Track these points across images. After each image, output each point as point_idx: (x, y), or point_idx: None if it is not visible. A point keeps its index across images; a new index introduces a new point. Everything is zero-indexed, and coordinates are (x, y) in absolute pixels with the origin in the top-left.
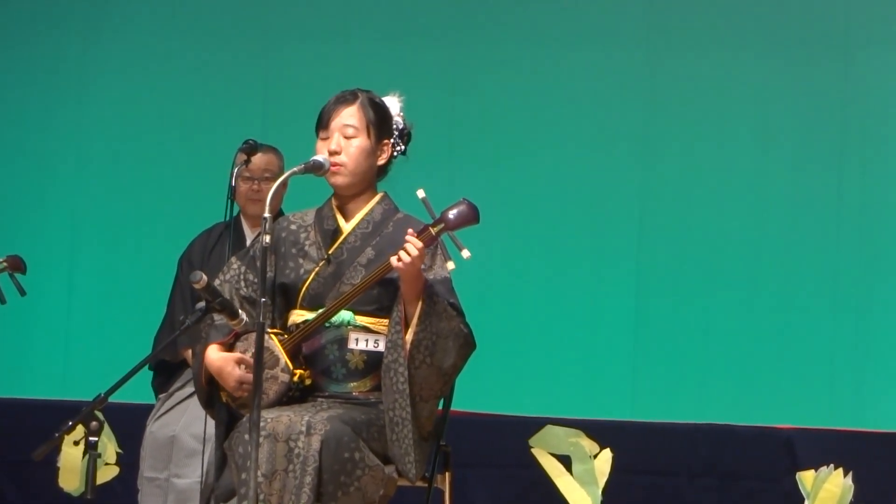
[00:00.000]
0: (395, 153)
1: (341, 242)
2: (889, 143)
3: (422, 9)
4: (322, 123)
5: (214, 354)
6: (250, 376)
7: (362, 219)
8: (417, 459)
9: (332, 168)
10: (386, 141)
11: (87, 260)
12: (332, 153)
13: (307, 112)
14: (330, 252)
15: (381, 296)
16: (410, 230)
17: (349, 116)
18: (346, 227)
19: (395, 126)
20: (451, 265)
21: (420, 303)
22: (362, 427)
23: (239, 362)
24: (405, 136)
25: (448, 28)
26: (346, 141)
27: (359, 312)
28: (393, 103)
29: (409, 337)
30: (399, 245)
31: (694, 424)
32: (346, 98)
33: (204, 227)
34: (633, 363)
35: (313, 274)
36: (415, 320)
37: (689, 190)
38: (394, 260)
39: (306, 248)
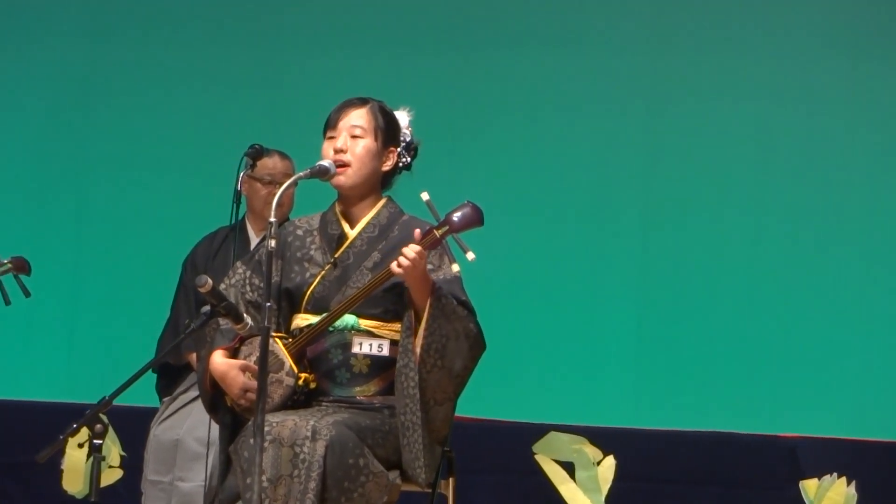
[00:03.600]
0: (401, 164)
1: (347, 246)
2: (891, 151)
3: (426, 16)
4: (330, 123)
5: (219, 360)
6: (254, 384)
7: (368, 222)
8: (427, 464)
9: (337, 169)
10: (392, 148)
11: (92, 262)
12: (337, 151)
13: (313, 118)
14: (336, 256)
15: (386, 300)
16: (417, 231)
17: (358, 118)
18: (352, 231)
19: (402, 138)
20: (455, 268)
21: (428, 306)
22: (367, 433)
23: (244, 369)
24: (412, 149)
25: (453, 34)
26: (352, 140)
27: (363, 316)
28: (402, 117)
29: (418, 341)
30: (405, 246)
31: (697, 432)
32: (356, 101)
33: (209, 230)
34: (637, 370)
35: (318, 278)
36: (423, 324)
37: (692, 197)
38: (393, 266)
39: (311, 252)
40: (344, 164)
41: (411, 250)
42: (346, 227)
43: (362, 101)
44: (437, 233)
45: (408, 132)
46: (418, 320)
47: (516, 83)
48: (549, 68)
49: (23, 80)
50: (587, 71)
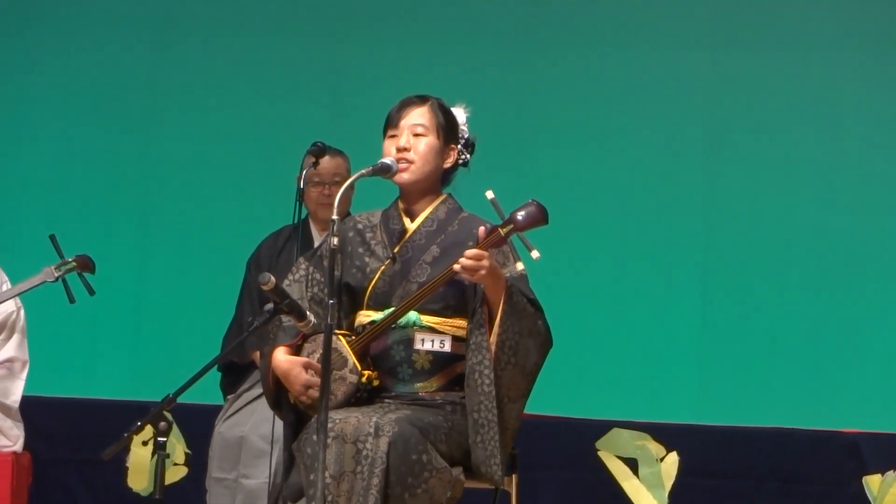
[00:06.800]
0: (460, 160)
1: (406, 241)
2: None
3: (488, 12)
4: (391, 122)
5: (281, 357)
6: (316, 380)
7: (427, 217)
8: (503, 461)
9: (400, 167)
10: (453, 146)
11: (157, 260)
12: (400, 150)
13: (374, 115)
14: (395, 251)
15: (447, 295)
16: (482, 229)
17: (419, 116)
18: (412, 225)
19: (460, 135)
20: (520, 266)
21: (502, 303)
22: (429, 429)
23: (306, 367)
24: (470, 146)
25: (514, 30)
26: (415, 139)
27: (424, 312)
28: (459, 113)
29: (493, 339)
30: (465, 242)
31: (760, 428)
32: (416, 100)
33: (272, 229)
34: (700, 367)
35: (379, 273)
36: (497, 321)
37: (755, 193)
38: (455, 266)
39: (372, 246)
40: (408, 162)
41: (469, 254)
42: (406, 221)
43: (422, 99)
44: (502, 231)
45: (465, 129)
46: (490, 318)
47: (580, 81)
48: (613, 66)
49: (88, 81)
50: (650, 68)
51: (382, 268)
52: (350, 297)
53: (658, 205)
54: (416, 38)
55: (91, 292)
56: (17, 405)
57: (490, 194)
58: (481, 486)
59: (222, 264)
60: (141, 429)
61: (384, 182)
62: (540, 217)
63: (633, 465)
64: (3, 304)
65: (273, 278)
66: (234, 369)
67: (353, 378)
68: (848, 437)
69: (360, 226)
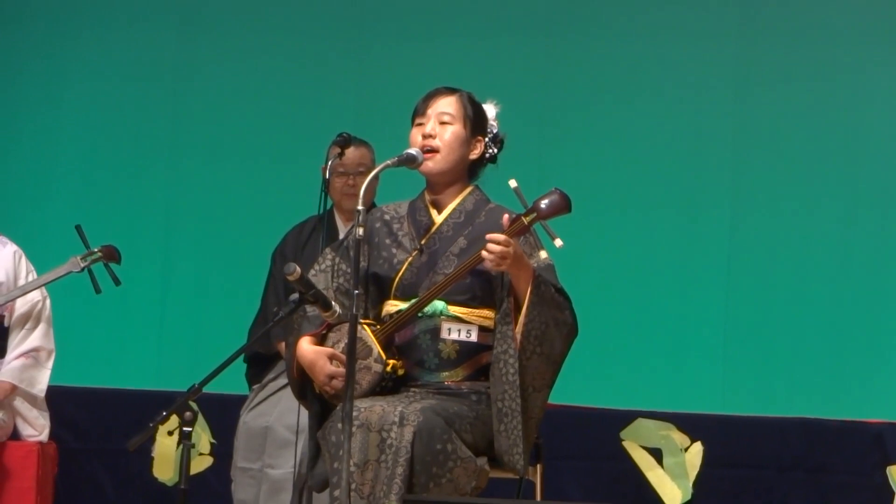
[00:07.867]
0: (487, 154)
1: (434, 232)
2: None
3: (513, 6)
4: (419, 111)
5: (307, 347)
6: (340, 370)
7: (454, 209)
8: (525, 451)
9: (426, 154)
10: (479, 137)
11: (182, 250)
12: (426, 136)
13: (399, 107)
14: (423, 242)
15: (474, 286)
16: (506, 217)
17: (447, 105)
18: (439, 218)
19: (489, 129)
20: (544, 255)
21: (528, 292)
22: (455, 419)
23: (330, 357)
24: (498, 142)
25: (539, 25)
26: (441, 127)
27: (451, 302)
28: (489, 109)
29: (519, 328)
30: (492, 233)
31: (784, 418)
32: (444, 90)
33: (298, 220)
34: (724, 357)
35: (406, 264)
36: (524, 310)
37: (781, 184)
38: (483, 253)
39: (399, 238)
40: (433, 150)
41: (496, 238)
42: (433, 213)
43: (451, 90)
44: (525, 220)
45: (494, 124)
46: (517, 307)
47: (604, 71)
48: (638, 56)
49: (114, 70)
50: (676, 59)
51: (409, 259)
52: (378, 288)
53: (683, 195)
54: (440, 31)
55: (117, 282)
56: (42, 395)
57: (513, 183)
58: (506, 476)
59: (247, 255)
60: (166, 419)
61: (411, 173)
62: (563, 205)
63: (657, 455)
64: (30, 294)
65: (299, 269)
66: (260, 360)
67: (377, 367)
68: (872, 427)
69: (386, 217)
